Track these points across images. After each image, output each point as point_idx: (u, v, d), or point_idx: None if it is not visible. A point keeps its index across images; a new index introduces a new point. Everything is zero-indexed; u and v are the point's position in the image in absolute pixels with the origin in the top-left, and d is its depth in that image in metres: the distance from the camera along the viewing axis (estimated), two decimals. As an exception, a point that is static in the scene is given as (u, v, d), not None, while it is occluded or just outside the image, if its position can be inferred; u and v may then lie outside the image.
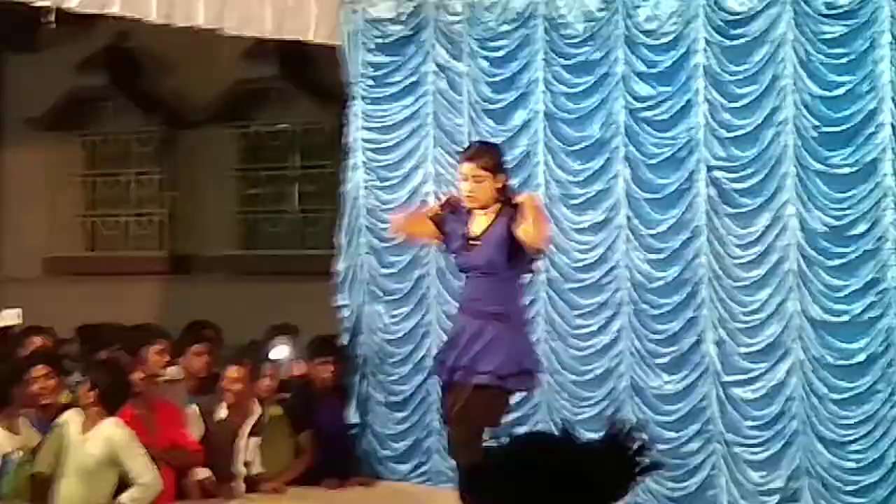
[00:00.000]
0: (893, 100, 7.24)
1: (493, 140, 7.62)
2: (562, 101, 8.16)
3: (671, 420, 7.83)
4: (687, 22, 7.76)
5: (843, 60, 7.38)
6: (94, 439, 6.99)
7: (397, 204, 8.66)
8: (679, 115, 7.81)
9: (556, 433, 2.32)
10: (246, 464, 8.03)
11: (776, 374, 7.57)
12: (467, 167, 6.48)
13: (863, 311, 7.35)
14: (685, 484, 7.78)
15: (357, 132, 8.88)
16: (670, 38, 7.82)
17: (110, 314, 10.39)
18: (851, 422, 7.37)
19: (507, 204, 6.42)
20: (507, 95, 8.33)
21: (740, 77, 7.63)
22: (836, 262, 7.41)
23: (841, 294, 7.40)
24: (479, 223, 6.45)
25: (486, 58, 8.40)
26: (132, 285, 11.84)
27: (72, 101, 12.39)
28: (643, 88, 7.93)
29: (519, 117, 8.28)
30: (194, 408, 7.99)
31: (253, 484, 8.02)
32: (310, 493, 8.14)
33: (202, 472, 7.73)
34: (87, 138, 12.66)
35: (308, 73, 11.21)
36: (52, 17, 7.65)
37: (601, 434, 2.32)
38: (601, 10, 8.01)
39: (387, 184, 8.78)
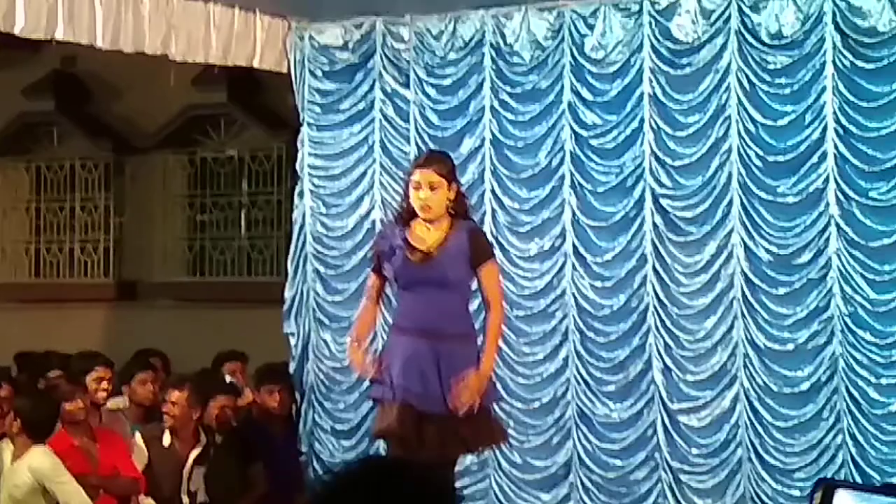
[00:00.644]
0: (837, 130, 7.31)
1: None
2: (509, 129, 8.18)
3: (618, 448, 7.84)
4: (633, 51, 7.80)
5: (788, 91, 7.44)
6: (20, 468, 6.97)
7: (344, 231, 8.64)
8: (626, 144, 7.85)
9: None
10: (191, 493, 7.95)
11: (722, 401, 7.60)
12: (422, 174, 6.22)
13: (808, 340, 7.39)
14: (632, 512, 7.78)
15: (304, 159, 8.86)
16: (617, 66, 7.86)
17: (56, 342, 10.28)
18: (797, 449, 7.41)
19: (459, 216, 6.25)
20: (455, 123, 8.33)
21: (686, 106, 7.68)
22: (782, 290, 7.46)
23: (786, 322, 7.45)
24: (429, 235, 6.22)
25: (433, 85, 8.41)
26: (78, 312, 11.72)
27: (18, 127, 12.29)
28: (590, 117, 7.96)
29: (466, 145, 8.29)
30: (138, 436, 7.91)
31: (198, 514, 7.95)
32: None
33: (144, 502, 7.65)
34: (33, 164, 12.55)
35: (257, 100, 11.18)
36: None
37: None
38: (548, 38, 8.04)
39: (334, 211, 8.76)
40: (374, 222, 8.54)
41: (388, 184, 8.53)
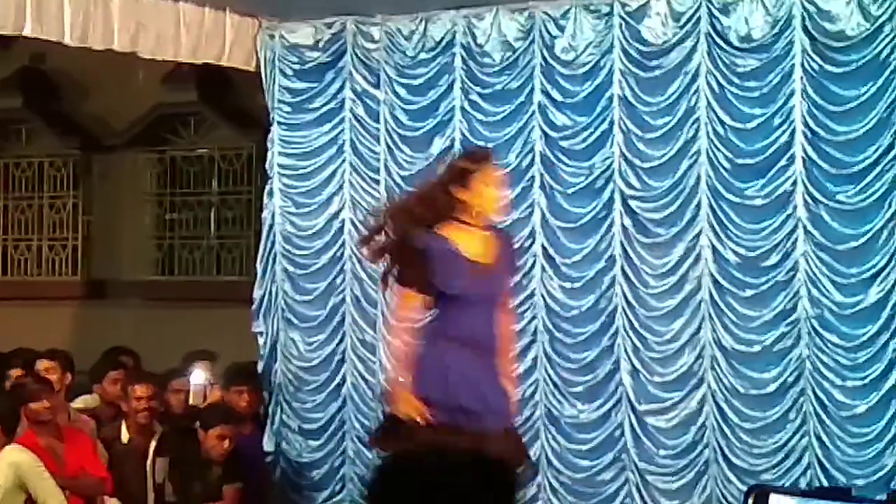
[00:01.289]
0: (805, 133, 7.34)
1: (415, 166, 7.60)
2: (479, 130, 8.18)
3: (586, 449, 7.86)
4: (603, 53, 7.81)
5: (756, 94, 7.46)
6: None
7: (313, 231, 8.63)
8: (595, 145, 7.86)
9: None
10: (157, 486, 7.87)
11: (690, 403, 7.62)
12: (497, 171, 5.86)
13: (774, 342, 7.42)
14: (599, 513, 7.80)
15: (274, 158, 8.84)
16: (587, 68, 7.87)
17: (24, 340, 10.21)
18: (763, 451, 7.43)
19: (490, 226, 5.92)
20: (425, 123, 8.33)
21: (655, 108, 7.70)
22: (749, 292, 7.48)
23: (753, 324, 7.47)
24: (474, 243, 5.79)
25: (404, 85, 8.41)
26: (46, 311, 11.67)
27: (-15, 124, 12.23)
28: (560, 118, 7.97)
29: (436, 145, 8.29)
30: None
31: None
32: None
33: (110, 502, 7.62)
34: (1, 161, 12.48)
35: (227, 99, 11.14)
36: (-36, 39, 7.56)
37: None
38: (519, 39, 8.05)
39: (303, 210, 8.74)
40: (343, 221, 8.53)
41: (357, 183, 8.53)
